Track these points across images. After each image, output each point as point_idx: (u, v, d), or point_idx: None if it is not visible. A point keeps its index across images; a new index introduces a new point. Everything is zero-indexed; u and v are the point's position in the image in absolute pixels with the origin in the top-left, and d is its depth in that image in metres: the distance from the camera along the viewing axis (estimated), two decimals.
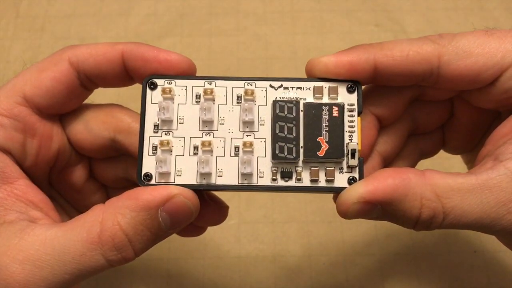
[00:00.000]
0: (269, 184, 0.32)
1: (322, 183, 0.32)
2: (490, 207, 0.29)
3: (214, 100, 0.32)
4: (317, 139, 0.31)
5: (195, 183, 0.32)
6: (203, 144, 0.32)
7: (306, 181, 0.32)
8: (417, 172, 0.30)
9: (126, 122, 0.35)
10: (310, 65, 0.32)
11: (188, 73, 0.33)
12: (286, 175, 0.32)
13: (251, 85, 0.33)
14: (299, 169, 0.32)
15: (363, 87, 0.33)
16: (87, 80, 0.34)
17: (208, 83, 0.33)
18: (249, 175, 0.32)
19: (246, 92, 0.32)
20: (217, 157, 0.32)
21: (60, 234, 0.29)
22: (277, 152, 0.31)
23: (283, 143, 0.31)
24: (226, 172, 0.32)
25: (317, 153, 0.31)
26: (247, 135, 0.32)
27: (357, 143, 0.32)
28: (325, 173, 0.32)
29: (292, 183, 0.32)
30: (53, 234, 0.30)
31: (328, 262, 0.52)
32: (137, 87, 0.34)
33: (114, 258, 0.30)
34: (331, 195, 0.34)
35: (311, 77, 0.33)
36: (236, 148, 0.32)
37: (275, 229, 0.54)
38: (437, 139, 0.39)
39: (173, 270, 0.52)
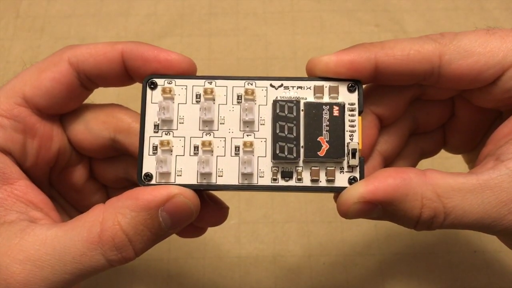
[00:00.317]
0: (270, 184, 0.32)
1: (322, 183, 0.32)
2: (491, 207, 0.29)
3: (214, 100, 0.32)
4: (318, 139, 0.31)
5: (196, 183, 0.32)
6: (203, 144, 0.32)
7: (306, 181, 0.32)
8: (418, 172, 0.30)
9: (126, 122, 0.35)
10: (310, 64, 0.32)
11: (189, 73, 0.33)
12: (287, 175, 0.32)
13: (252, 84, 0.33)
14: (299, 169, 0.32)
15: (363, 86, 0.33)
16: (87, 80, 0.34)
17: (208, 82, 0.33)
18: (250, 175, 0.32)
19: (246, 92, 0.32)
20: (218, 157, 0.32)
21: (61, 234, 0.29)
22: (277, 152, 0.31)
23: (284, 143, 0.31)
24: (227, 172, 0.32)
25: (318, 153, 0.31)
26: (247, 135, 0.32)
27: (358, 143, 0.32)
28: (326, 173, 0.32)
29: (292, 183, 0.32)
30: (53, 234, 0.29)
31: (328, 262, 0.52)
32: (137, 87, 0.34)
33: (115, 258, 0.30)
34: (331, 195, 0.34)
35: (311, 77, 0.33)
36: (237, 148, 0.32)
37: (275, 229, 0.54)
38: (438, 138, 0.39)
39: (173, 270, 0.52)
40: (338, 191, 0.32)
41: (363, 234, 0.54)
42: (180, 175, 0.32)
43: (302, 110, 0.32)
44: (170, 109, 0.32)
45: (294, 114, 0.32)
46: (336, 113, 0.32)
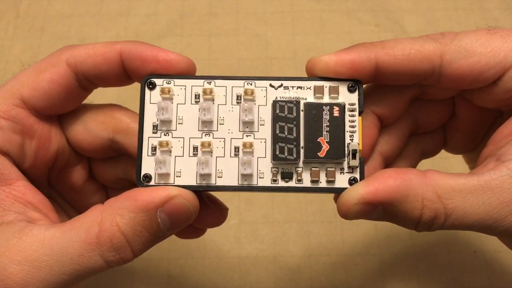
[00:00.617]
0: (270, 185, 0.32)
1: (322, 183, 0.32)
2: (492, 208, 0.29)
3: (213, 100, 0.32)
4: (318, 140, 0.31)
5: (195, 184, 0.32)
6: (202, 145, 0.31)
7: (306, 182, 0.32)
8: (418, 173, 0.30)
9: (125, 122, 0.35)
10: (310, 64, 0.32)
11: (188, 73, 0.33)
12: (287, 176, 0.32)
13: (251, 84, 0.32)
14: (299, 169, 0.32)
15: (363, 86, 0.33)
16: (86, 80, 0.34)
17: (208, 82, 0.32)
18: (249, 176, 0.32)
19: (246, 92, 0.32)
20: (217, 157, 0.32)
21: (59, 234, 0.29)
22: (277, 153, 0.31)
23: (284, 143, 0.31)
24: (226, 173, 0.32)
25: (318, 153, 0.31)
26: (247, 136, 0.32)
27: (358, 143, 0.31)
28: (326, 174, 0.32)
29: (292, 183, 0.32)
30: (51, 234, 0.29)
31: (328, 262, 0.52)
32: (137, 86, 0.34)
33: (113, 258, 0.30)
34: (331, 195, 0.34)
35: (311, 76, 0.32)
36: (236, 149, 0.32)
37: (275, 229, 0.54)
38: (438, 138, 0.39)
39: (173, 270, 0.52)
40: (338, 192, 0.31)
41: (363, 234, 0.54)
42: (179, 176, 0.32)
43: (302, 110, 0.32)
44: (169, 110, 0.32)
45: (294, 114, 0.31)
46: (336, 113, 0.31)
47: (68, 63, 0.33)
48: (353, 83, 0.32)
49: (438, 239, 0.53)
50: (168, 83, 0.32)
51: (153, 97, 0.32)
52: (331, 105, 0.31)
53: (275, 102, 0.32)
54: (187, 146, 0.32)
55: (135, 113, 0.36)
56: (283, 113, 0.31)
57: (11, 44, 0.64)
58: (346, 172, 0.32)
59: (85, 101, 0.36)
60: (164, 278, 0.52)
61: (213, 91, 0.32)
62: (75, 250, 0.29)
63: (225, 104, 0.32)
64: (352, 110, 0.32)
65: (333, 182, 0.32)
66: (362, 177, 0.32)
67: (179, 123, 0.32)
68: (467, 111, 0.36)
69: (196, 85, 0.32)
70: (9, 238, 0.29)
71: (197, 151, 0.32)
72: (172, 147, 0.32)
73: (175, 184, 0.31)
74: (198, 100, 0.32)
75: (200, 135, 0.32)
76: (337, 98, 0.32)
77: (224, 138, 0.32)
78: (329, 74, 0.32)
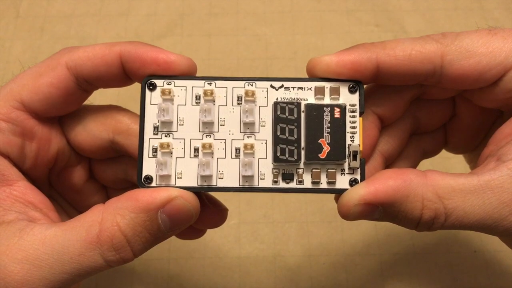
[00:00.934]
0: (271, 186, 0.32)
1: (323, 185, 0.32)
2: (492, 208, 0.29)
3: (214, 101, 0.32)
4: (319, 141, 0.31)
5: (196, 186, 0.32)
6: (203, 146, 0.31)
7: (307, 183, 0.32)
8: (418, 173, 0.30)
9: (125, 123, 0.35)
10: (311, 65, 0.32)
11: (189, 73, 0.32)
12: (288, 177, 0.32)
13: (252, 85, 0.32)
14: (300, 171, 0.32)
15: (364, 86, 0.33)
16: (86, 83, 0.33)
17: (208, 83, 0.32)
18: (250, 177, 0.32)
19: (246, 93, 0.32)
20: (218, 159, 0.32)
21: (59, 233, 0.29)
22: (278, 154, 0.31)
23: (284, 145, 0.31)
24: (227, 174, 0.32)
25: (319, 155, 0.31)
26: (248, 137, 0.32)
27: (359, 145, 0.31)
28: (327, 175, 0.32)
29: (293, 185, 0.32)
30: (52, 233, 0.29)
31: (328, 262, 0.52)
32: (136, 87, 0.34)
33: (113, 258, 0.30)
34: (331, 195, 0.34)
35: (312, 77, 0.32)
36: (237, 150, 0.32)
37: (275, 229, 0.54)
38: (439, 138, 0.39)
39: (173, 270, 0.52)
40: (339, 193, 0.31)
41: (363, 234, 0.54)
42: (181, 178, 0.32)
43: (303, 111, 0.32)
44: (169, 111, 0.32)
45: (295, 116, 0.31)
46: (337, 115, 0.31)
47: (68, 66, 0.33)
48: (354, 84, 0.32)
49: (438, 239, 0.53)
50: (169, 84, 0.32)
51: (153, 98, 0.32)
52: (332, 107, 0.31)
53: (276, 104, 0.31)
54: (188, 147, 0.32)
55: (135, 114, 0.36)
56: (284, 115, 0.31)
57: (11, 44, 0.64)
58: (347, 173, 0.32)
59: (86, 102, 0.36)
60: (164, 278, 0.52)
61: (214, 92, 0.32)
62: (76, 249, 0.29)
63: (226, 105, 0.32)
64: (353, 111, 0.32)
65: (333, 183, 0.32)
66: (362, 178, 0.32)
67: (179, 124, 0.32)
68: (467, 111, 0.36)
69: (197, 86, 0.32)
70: (10, 237, 0.29)
71: (198, 152, 0.32)
72: (173, 148, 0.32)
73: (176, 185, 0.31)
74: (198, 101, 0.32)
75: (201, 136, 0.32)
76: (338, 99, 0.32)
77: (225, 139, 0.32)
78: (330, 74, 0.32)
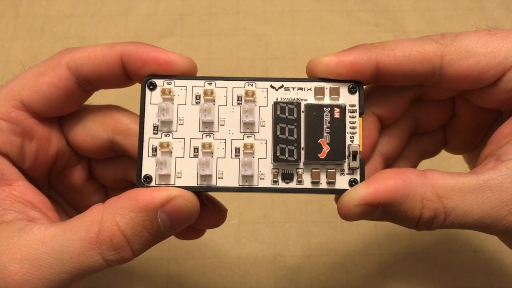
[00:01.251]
0: (270, 186, 0.32)
1: (323, 185, 0.32)
2: (491, 208, 0.29)
3: (214, 101, 0.32)
4: (318, 141, 0.31)
5: (196, 185, 0.32)
6: (203, 146, 0.32)
7: (307, 183, 0.32)
8: (418, 173, 0.30)
9: (124, 123, 0.35)
10: (311, 65, 0.32)
11: (189, 73, 0.33)
12: (287, 177, 0.32)
13: (252, 85, 0.32)
14: (300, 171, 0.32)
15: (364, 87, 0.33)
16: (86, 83, 0.33)
17: (208, 83, 0.32)
18: (250, 177, 0.32)
19: (246, 93, 0.32)
20: (218, 159, 0.32)
21: (59, 233, 0.29)
22: (278, 154, 0.31)
23: (284, 145, 0.31)
24: (227, 174, 0.32)
25: (318, 155, 0.31)
26: (247, 137, 0.32)
27: (359, 145, 0.32)
28: (326, 175, 0.32)
29: (293, 185, 0.32)
30: (51, 233, 0.30)
31: (328, 262, 0.52)
32: (137, 87, 0.34)
33: (112, 258, 0.30)
34: (331, 195, 0.34)
35: (312, 77, 0.32)
36: (237, 150, 0.32)
37: (275, 229, 0.54)
38: (438, 138, 0.39)
39: (173, 270, 0.52)
40: (338, 193, 0.32)
41: (363, 234, 0.54)
42: (180, 177, 0.32)
43: (302, 111, 0.32)
44: (169, 111, 0.32)
45: (295, 116, 0.31)
46: (337, 115, 0.31)
47: (69, 67, 0.33)
48: (354, 85, 0.32)
49: (438, 239, 0.53)
50: (169, 84, 0.32)
51: (153, 97, 0.32)
52: (332, 107, 0.31)
53: (276, 104, 0.32)
54: (187, 147, 0.32)
55: (134, 114, 0.36)
56: (284, 115, 0.31)
57: (11, 44, 0.64)
58: (347, 174, 0.32)
59: (86, 102, 0.36)
60: (164, 278, 0.52)
61: (214, 92, 0.32)
62: (75, 248, 0.29)
63: (226, 105, 0.32)
64: (353, 112, 0.32)
65: (333, 183, 0.32)
66: (362, 178, 0.32)
67: (179, 124, 0.32)
68: (467, 111, 0.36)
69: (197, 86, 0.32)
70: (9, 236, 0.30)
71: (197, 152, 0.32)
72: (172, 148, 0.32)
73: (175, 185, 0.31)
74: (198, 101, 0.32)
75: (201, 136, 0.32)
76: (338, 99, 0.32)
77: (225, 139, 0.32)
78: (329, 75, 0.32)
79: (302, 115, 0.32)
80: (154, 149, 0.32)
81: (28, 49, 0.63)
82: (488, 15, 0.65)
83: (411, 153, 0.38)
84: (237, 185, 0.32)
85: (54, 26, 0.65)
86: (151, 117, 0.32)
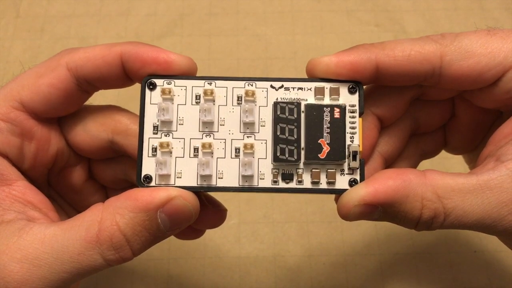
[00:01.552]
0: (270, 186, 0.32)
1: (323, 185, 0.32)
2: (491, 208, 0.29)
3: (214, 101, 0.32)
4: (319, 141, 0.31)
5: (196, 185, 0.32)
6: (203, 146, 0.31)
7: (307, 183, 0.32)
8: (418, 173, 0.30)
9: (124, 124, 0.35)
10: (311, 65, 0.32)
11: (189, 73, 0.32)
12: (287, 177, 0.32)
13: (252, 85, 0.32)
14: (300, 171, 0.32)
15: (364, 87, 0.33)
16: (86, 84, 0.33)
17: (208, 83, 0.32)
18: (250, 177, 0.32)
19: (246, 93, 0.32)
20: (218, 159, 0.32)
21: (59, 232, 0.30)
22: (278, 154, 0.31)
23: (284, 145, 0.31)
24: (227, 174, 0.32)
25: (319, 155, 0.31)
26: (247, 137, 0.32)
27: (359, 145, 0.32)
28: (326, 175, 0.32)
29: (293, 185, 0.32)
30: (51, 232, 0.30)
31: (328, 262, 0.52)
32: (137, 87, 0.34)
33: (112, 257, 0.30)
34: (332, 195, 0.34)
35: (312, 77, 0.33)
36: (237, 150, 0.32)
37: (275, 229, 0.54)
38: (438, 139, 0.39)
39: (173, 270, 0.52)
40: (338, 193, 0.32)
41: (363, 234, 0.54)
42: (180, 177, 0.32)
43: (302, 112, 0.32)
44: (169, 110, 0.32)
45: (295, 116, 0.31)
46: (337, 115, 0.32)
47: (68, 67, 0.33)
48: (354, 85, 0.32)
49: (438, 239, 0.53)
50: (169, 84, 0.32)
51: (153, 97, 0.32)
52: (332, 107, 0.32)
53: (276, 104, 0.32)
54: (187, 147, 0.32)
55: (134, 114, 0.36)
56: (284, 115, 0.31)
57: (11, 44, 0.64)
58: (346, 174, 0.32)
59: (85, 102, 0.36)
60: (164, 278, 0.52)
61: (214, 92, 0.32)
62: (75, 248, 0.29)
63: (226, 105, 0.32)
64: (353, 112, 0.32)
65: (333, 183, 0.32)
66: (362, 178, 0.32)
67: (179, 124, 0.32)
68: (467, 112, 0.36)
69: (197, 86, 0.32)
70: (9, 236, 0.30)
71: (197, 152, 0.32)
72: (172, 148, 0.32)
73: (175, 185, 0.31)
74: (198, 100, 0.32)
75: (201, 136, 0.32)
76: (338, 100, 0.32)
77: (225, 139, 0.32)
78: (329, 75, 0.32)
79: (302, 115, 0.32)
80: (154, 149, 0.32)
81: (28, 49, 0.63)
82: (488, 15, 0.65)
83: (411, 153, 0.38)
84: (237, 185, 0.32)
85: (54, 26, 0.65)
86: (151, 117, 0.32)
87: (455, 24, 0.65)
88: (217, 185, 0.32)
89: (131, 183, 0.39)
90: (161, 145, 0.31)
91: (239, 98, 0.32)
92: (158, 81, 0.32)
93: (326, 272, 0.52)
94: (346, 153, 0.31)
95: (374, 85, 0.35)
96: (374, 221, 0.31)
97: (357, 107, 0.32)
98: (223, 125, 0.32)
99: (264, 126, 0.32)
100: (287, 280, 0.52)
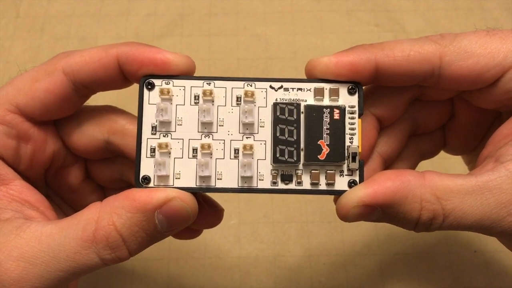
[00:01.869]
0: (269, 187, 0.32)
1: (322, 186, 0.32)
2: (490, 209, 0.29)
3: (213, 101, 0.32)
4: (318, 142, 0.31)
5: (195, 186, 0.32)
6: (202, 146, 0.31)
7: (306, 184, 0.32)
8: (417, 174, 0.30)
9: (120, 124, 0.35)
10: (310, 66, 0.32)
11: (187, 72, 0.32)
12: (287, 178, 0.32)
13: (251, 85, 0.32)
14: (299, 172, 0.32)
15: (363, 88, 0.33)
16: (84, 88, 0.33)
17: (207, 83, 0.32)
18: (249, 178, 0.31)
19: (246, 93, 0.32)
20: (217, 159, 0.32)
21: (56, 231, 0.30)
22: (277, 155, 0.31)
23: (284, 146, 0.31)
24: (226, 175, 0.32)
25: (318, 156, 0.31)
26: (247, 137, 0.32)
27: (358, 146, 0.32)
28: (326, 176, 0.32)
29: (292, 186, 0.32)
30: (48, 231, 0.30)
31: (328, 262, 0.52)
32: (136, 87, 0.34)
33: (108, 257, 0.30)
34: (331, 195, 0.34)
35: (311, 78, 0.32)
36: (236, 151, 0.32)
37: (275, 229, 0.54)
38: (437, 139, 0.39)
39: (173, 270, 0.52)
40: (337, 194, 0.32)
41: (363, 234, 0.54)
42: (179, 178, 0.32)
43: (302, 112, 0.32)
44: (168, 111, 0.32)
45: (295, 117, 0.31)
46: (336, 116, 0.31)
47: (65, 72, 0.33)
48: (353, 85, 0.32)
49: (438, 239, 0.53)
50: (167, 84, 0.32)
51: (152, 98, 0.32)
52: (332, 108, 0.31)
53: (275, 104, 0.32)
54: (186, 147, 0.32)
55: (130, 115, 0.36)
56: (283, 116, 0.31)
57: (11, 44, 0.64)
58: (346, 175, 0.32)
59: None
60: (164, 278, 0.52)
61: (213, 92, 0.32)
62: (72, 247, 0.29)
63: (225, 106, 0.32)
64: (352, 113, 0.32)
65: (332, 184, 0.32)
66: (361, 179, 0.32)
67: (178, 124, 0.32)
68: (466, 112, 0.36)
69: (196, 86, 0.32)
70: (6, 234, 0.30)
71: (196, 152, 0.32)
72: (171, 148, 0.32)
73: (174, 186, 0.31)
74: (197, 101, 0.32)
75: (200, 137, 0.32)
76: (337, 100, 0.32)
77: (224, 140, 0.32)
78: (328, 76, 0.32)
79: (302, 116, 0.32)
80: (153, 150, 0.32)
81: (28, 49, 0.63)
82: (488, 15, 0.65)
83: (410, 154, 0.38)
84: (236, 186, 0.32)
85: (54, 26, 0.65)
86: (150, 118, 0.32)
87: (455, 24, 0.65)
88: (216, 186, 0.32)
89: (127, 183, 0.39)
90: (160, 145, 0.31)
91: (238, 99, 0.32)
92: (157, 81, 0.32)
93: (326, 272, 0.52)
94: (346, 154, 0.31)
95: (373, 86, 0.35)
96: (373, 222, 0.31)
97: (356, 108, 0.32)
98: (222, 125, 0.32)
99: (263, 127, 0.32)
100: (287, 280, 0.52)
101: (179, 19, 0.66)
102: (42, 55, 0.61)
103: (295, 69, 0.62)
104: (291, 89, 0.32)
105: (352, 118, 0.32)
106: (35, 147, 0.34)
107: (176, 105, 0.32)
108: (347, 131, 0.32)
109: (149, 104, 0.32)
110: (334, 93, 0.32)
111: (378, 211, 0.30)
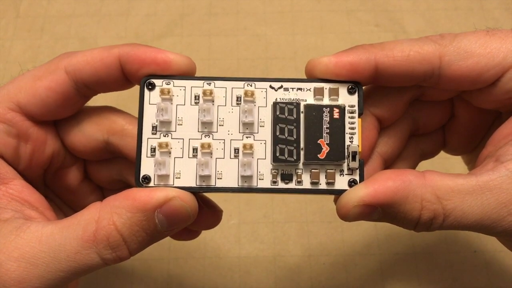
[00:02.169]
0: (269, 186, 0.32)
1: (322, 185, 0.32)
2: (490, 209, 0.29)
3: (213, 101, 0.32)
4: (318, 141, 0.31)
5: (195, 186, 0.32)
6: (202, 146, 0.31)
7: (306, 184, 0.32)
8: (417, 174, 0.30)
9: (119, 124, 0.35)
10: (310, 66, 0.32)
11: (188, 72, 0.32)
12: (287, 178, 0.32)
13: (251, 85, 0.32)
14: (299, 171, 0.32)
15: (363, 87, 0.33)
16: (85, 88, 0.33)
17: (207, 83, 0.32)
18: (249, 177, 0.31)
19: (246, 93, 0.32)
20: (217, 159, 0.32)
21: (56, 231, 0.30)
22: (277, 154, 0.31)
23: (284, 145, 0.31)
24: (226, 174, 0.32)
25: (318, 155, 0.31)
26: (247, 137, 0.32)
27: (358, 145, 0.32)
28: (326, 176, 0.32)
29: (292, 185, 0.32)
30: (48, 231, 0.30)
31: (328, 262, 0.52)
32: (137, 87, 0.34)
33: (109, 256, 0.30)
34: (331, 195, 0.34)
35: (311, 78, 0.32)
36: (236, 150, 0.32)
37: (275, 229, 0.54)
38: (437, 139, 0.39)
39: (173, 270, 0.52)
40: (338, 193, 0.32)
41: (363, 234, 0.54)
42: (179, 178, 0.32)
43: (302, 112, 0.32)
44: (168, 111, 0.32)
45: (294, 116, 0.31)
46: (336, 115, 0.31)
47: (67, 71, 0.33)
48: (353, 85, 0.32)
49: (438, 239, 0.53)
50: (168, 84, 0.32)
51: (152, 98, 0.32)
52: (331, 107, 0.31)
53: (275, 104, 0.32)
54: (186, 147, 0.32)
55: (130, 115, 0.36)
56: (283, 115, 0.31)
57: (11, 44, 0.64)
58: (346, 174, 0.32)
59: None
60: (164, 278, 0.52)
61: (213, 92, 0.32)
62: (72, 247, 0.29)
63: (225, 105, 0.32)
64: (352, 112, 0.32)
65: (332, 184, 0.32)
66: (361, 179, 0.32)
67: (178, 124, 0.32)
68: (466, 112, 0.36)
69: (196, 86, 0.32)
70: (6, 235, 0.30)
71: (196, 152, 0.32)
72: (171, 148, 0.32)
73: (174, 185, 0.31)
74: (197, 101, 0.32)
75: (200, 136, 0.32)
76: (337, 100, 0.32)
77: (224, 140, 0.32)
78: (328, 75, 0.32)
79: (302, 115, 0.32)
80: (153, 149, 0.32)
81: (28, 49, 0.63)
82: (488, 15, 0.65)
83: (410, 154, 0.38)
84: (236, 186, 0.32)
85: (54, 26, 0.65)
86: (150, 117, 0.32)
87: (455, 24, 0.65)
88: (216, 186, 0.32)
89: (126, 184, 0.39)
90: (160, 145, 0.31)
91: (238, 99, 0.32)
92: (157, 81, 0.32)
93: (326, 272, 0.52)
94: (346, 154, 0.31)
95: (373, 86, 0.35)
96: (373, 222, 0.31)
97: (356, 108, 0.32)
98: (222, 125, 0.32)
99: (263, 126, 0.32)
100: (287, 280, 0.52)
101: (179, 19, 0.66)
102: (42, 55, 0.62)
103: (295, 69, 0.62)
104: (291, 89, 0.32)
105: (352, 117, 0.32)
106: (35, 147, 0.34)
107: (177, 105, 0.32)
108: (347, 130, 0.32)
109: (149, 104, 0.32)
110: (334, 92, 0.32)
111: (379, 210, 0.30)
